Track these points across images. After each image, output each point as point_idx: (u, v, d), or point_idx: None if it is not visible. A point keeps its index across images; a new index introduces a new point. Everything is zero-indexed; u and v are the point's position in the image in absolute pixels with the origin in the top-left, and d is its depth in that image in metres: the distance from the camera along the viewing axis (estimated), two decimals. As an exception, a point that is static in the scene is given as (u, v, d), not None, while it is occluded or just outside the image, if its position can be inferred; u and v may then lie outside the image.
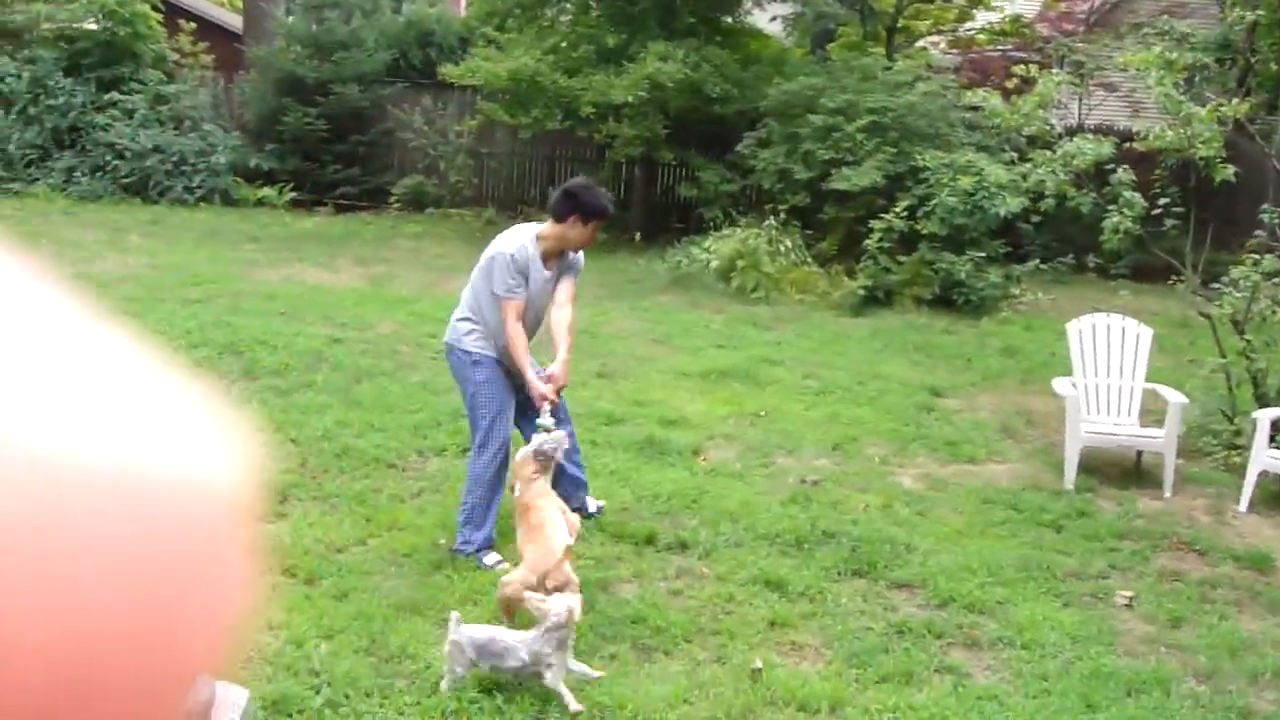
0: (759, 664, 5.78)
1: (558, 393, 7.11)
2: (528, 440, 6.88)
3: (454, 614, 5.57)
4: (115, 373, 0.52)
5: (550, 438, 6.71)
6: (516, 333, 6.96)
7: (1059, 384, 9.50)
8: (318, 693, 5.37)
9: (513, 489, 6.74)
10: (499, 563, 6.82)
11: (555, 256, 7.16)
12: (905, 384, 11.77)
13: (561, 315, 7.21)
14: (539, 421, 6.94)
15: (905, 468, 9.25)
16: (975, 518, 8.17)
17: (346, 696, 5.36)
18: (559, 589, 5.85)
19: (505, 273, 6.93)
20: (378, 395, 10.09)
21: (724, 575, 6.86)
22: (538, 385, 6.98)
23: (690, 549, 7.22)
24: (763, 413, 10.41)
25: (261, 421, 9.08)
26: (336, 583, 6.42)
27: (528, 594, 5.72)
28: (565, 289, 7.22)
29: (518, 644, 5.37)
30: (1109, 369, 9.65)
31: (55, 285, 0.53)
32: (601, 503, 7.83)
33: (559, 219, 7.10)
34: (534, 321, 7.22)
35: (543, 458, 6.58)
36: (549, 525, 6.27)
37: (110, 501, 0.48)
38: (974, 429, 10.41)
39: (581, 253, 7.37)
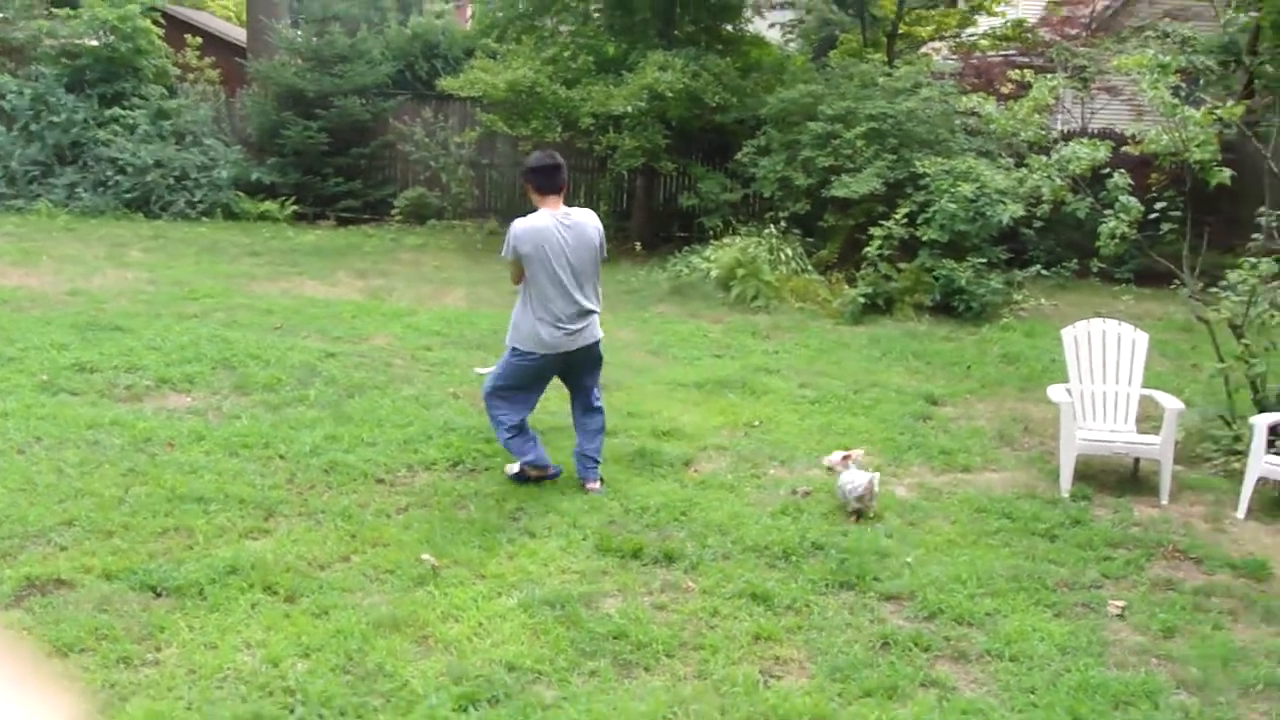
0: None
1: None
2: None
3: None
4: None
5: None
6: None
7: (1054, 391, 9.42)
8: (292, 712, 5.31)
9: None
10: None
11: None
12: (902, 392, 11.68)
13: None
14: None
15: (899, 477, 9.16)
16: (968, 527, 8.07)
17: (320, 716, 5.29)
18: None
19: None
20: (369, 409, 10.02)
21: (710, 589, 6.78)
22: None
23: (677, 562, 7.14)
24: (757, 423, 10.33)
25: (251, 437, 9.05)
26: (317, 600, 6.34)
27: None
28: None
29: None
30: (1105, 375, 9.57)
31: None
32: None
33: (561, 188, 8.32)
34: None
35: None
36: None
37: None
38: (970, 437, 10.32)
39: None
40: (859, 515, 8.07)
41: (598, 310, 8.47)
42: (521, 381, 8.36)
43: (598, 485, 8.40)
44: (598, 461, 8.54)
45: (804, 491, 8.54)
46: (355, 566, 6.87)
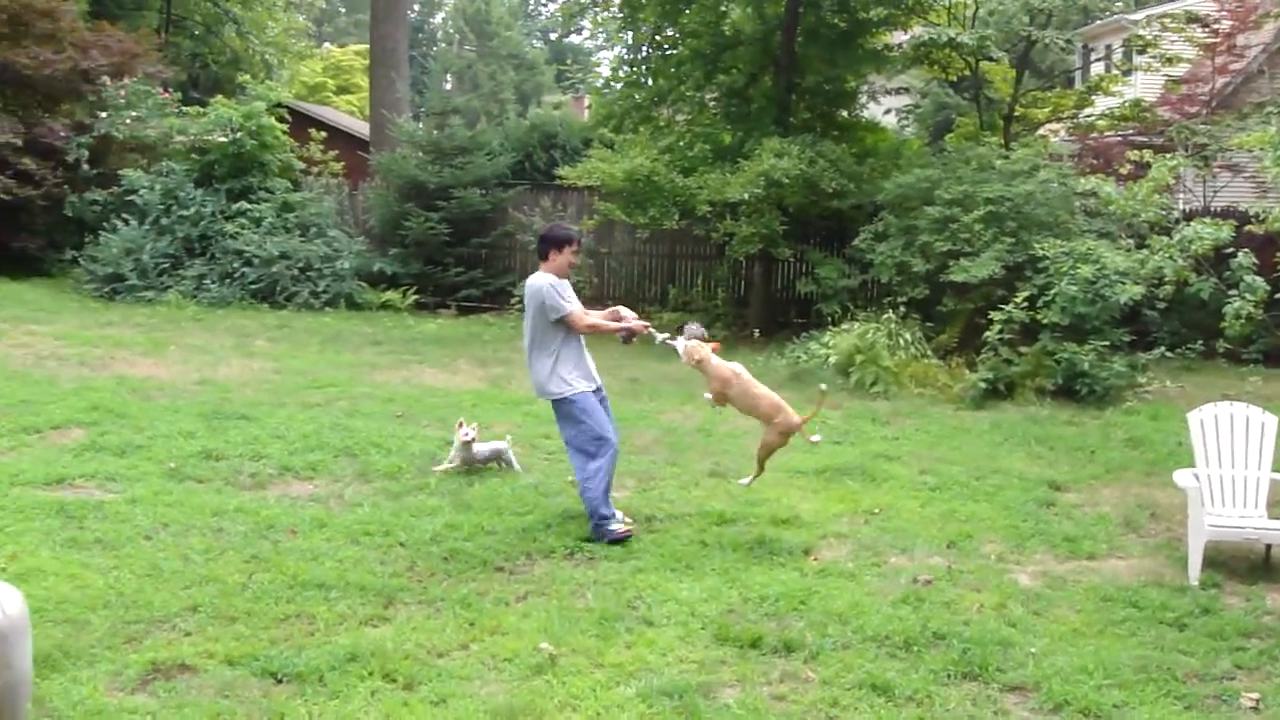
0: None
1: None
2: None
3: None
4: None
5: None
6: (593, 319, 9.45)
7: (1180, 476, 9.23)
8: (410, 803, 5.31)
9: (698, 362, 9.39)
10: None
11: None
12: (1024, 478, 11.51)
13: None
14: (663, 338, 9.60)
15: (1022, 565, 9.01)
16: (1094, 616, 7.91)
17: (439, 807, 5.29)
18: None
19: (556, 300, 9.22)
20: (489, 497, 10.09)
21: (829, 679, 6.69)
22: (638, 323, 9.54)
23: (796, 652, 7.07)
24: (877, 510, 10.23)
25: (372, 525, 9.14)
26: (435, 688, 6.36)
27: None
28: None
29: None
30: (1233, 459, 9.35)
31: None
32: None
33: (545, 258, 9.55)
34: None
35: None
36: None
37: None
38: (1095, 524, 10.13)
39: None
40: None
41: (531, 368, 9.49)
42: None
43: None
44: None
45: (925, 580, 8.43)
46: (474, 655, 6.88)
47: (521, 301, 22.37)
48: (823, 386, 10.20)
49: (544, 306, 9.20)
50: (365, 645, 6.80)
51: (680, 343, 9.52)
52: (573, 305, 9.33)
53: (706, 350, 9.46)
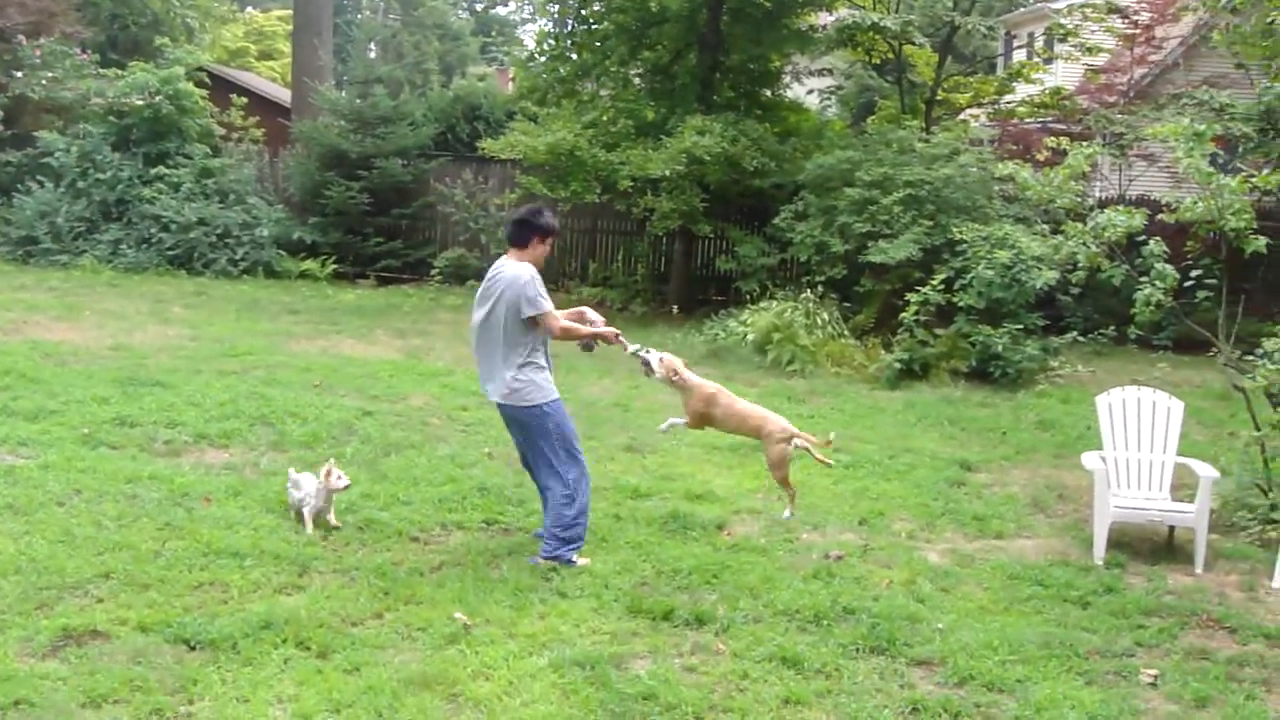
0: None
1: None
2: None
3: None
4: None
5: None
6: (568, 324, 8.24)
7: (1088, 458, 9.41)
8: (322, 769, 5.33)
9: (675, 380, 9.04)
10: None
11: None
12: (936, 458, 11.67)
13: None
14: (634, 349, 8.84)
15: (932, 543, 9.15)
16: (1000, 594, 8.05)
17: (350, 773, 5.32)
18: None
19: (538, 295, 7.94)
20: (405, 468, 10.09)
21: (740, 652, 6.78)
22: (609, 330, 8.44)
23: (708, 625, 7.15)
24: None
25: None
26: (349, 656, 6.38)
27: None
28: None
29: None
30: (1139, 443, 9.54)
31: None
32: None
33: (524, 245, 8.15)
34: None
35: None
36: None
37: None
38: (1004, 504, 10.30)
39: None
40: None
41: (508, 371, 7.97)
42: None
43: (536, 560, 8.07)
44: (540, 537, 8.27)
45: (836, 556, 8.54)
46: (388, 624, 6.90)
47: (442, 274, 22.27)
48: (831, 435, 10.40)
49: (522, 300, 7.87)
50: (279, 613, 6.80)
51: (655, 355, 8.97)
52: (549, 304, 8.05)
53: (682, 365, 9.13)
